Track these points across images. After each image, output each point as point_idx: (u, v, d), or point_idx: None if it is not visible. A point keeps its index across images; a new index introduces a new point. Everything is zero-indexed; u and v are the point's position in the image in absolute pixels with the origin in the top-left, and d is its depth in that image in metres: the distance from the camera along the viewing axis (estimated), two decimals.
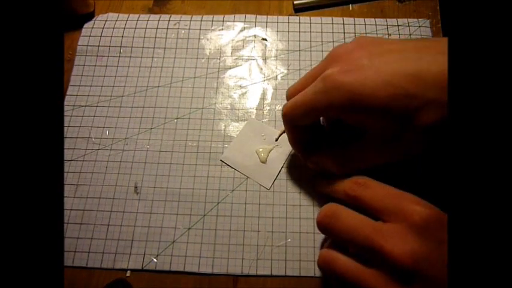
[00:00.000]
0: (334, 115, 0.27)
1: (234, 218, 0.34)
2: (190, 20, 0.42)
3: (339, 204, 0.27)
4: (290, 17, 0.42)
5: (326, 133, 0.32)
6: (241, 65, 0.40)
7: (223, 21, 0.42)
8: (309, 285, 0.32)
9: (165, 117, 0.38)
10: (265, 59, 0.40)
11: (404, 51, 0.25)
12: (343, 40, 0.40)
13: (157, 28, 0.42)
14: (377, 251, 0.23)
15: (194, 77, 0.40)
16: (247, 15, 0.42)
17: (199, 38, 0.41)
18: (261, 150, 0.36)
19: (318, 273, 0.32)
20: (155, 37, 0.41)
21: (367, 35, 0.40)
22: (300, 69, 0.39)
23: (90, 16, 0.42)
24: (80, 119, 0.38)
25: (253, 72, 0.40)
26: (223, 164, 0.36)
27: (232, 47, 0.41)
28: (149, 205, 0.35)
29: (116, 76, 0.40)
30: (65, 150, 0.37)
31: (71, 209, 0.35)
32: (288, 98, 0.30)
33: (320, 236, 0.33)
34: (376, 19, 0.41)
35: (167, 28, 0.42)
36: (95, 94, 0.39)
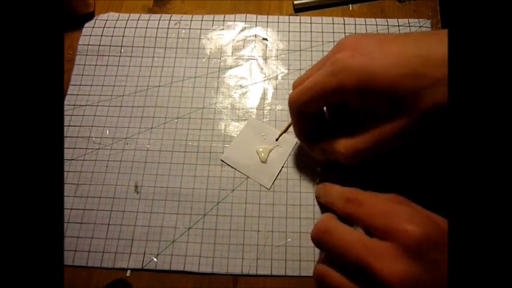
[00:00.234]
0: (343, 98, 0.27)
1: (234, 217, 0.34)
2: (191, 20, 0.42)
3: (334, 216, 0.27)
4: (291, 16, 0.42)
5: (328, 123, 0.32)
6: (241, 64, 0.40)
7: (223, 21, 0.42)
8: (309, 285, 0.32)
9: (165, 116, 0.38)
10: (265, 58, 0.40)
11: (409, 37, 0.26)
12: None
13: (158, 28, 0.42)
14: (367, 270, 0.23)
15: (195, 77, 0.40)
16: (248, 15, 0.42)
17: (199, 38, 0.41)
18: (261, 150, 0.36)
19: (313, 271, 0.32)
20: (156, 37, 0.41)
21: None
22: (300, 69, 0.39)
23: (90, 16, 0.42)
24: (81, 118, 0.38)
25: (254, 72, 0.40)
26: (224, 163, 0.36)
27: (232, 46, 0.41)
28: (149, 204, 0.35)
29: (116, 75, 0.40)
30: (65, 149, 0.37)
31: (71, 208, 0.35)
32: (293, 87, 0.30)
33: None
34: (377, 19, 0.41)
35: (168, 28, 0.42)
36: (95, 93, 0.39)
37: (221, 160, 0.36)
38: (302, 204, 0.34)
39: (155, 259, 0.33)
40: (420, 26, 0.41)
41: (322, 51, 0.40)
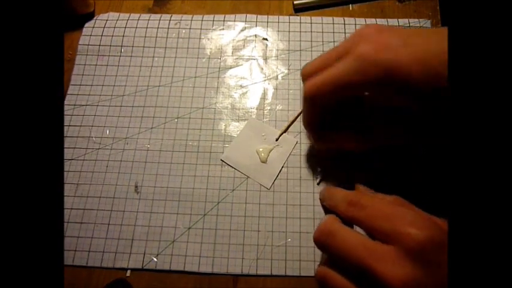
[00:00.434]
0: (365, 92, 0.27)
1: (234, 217, 0.34)
2: (191, 20, 0.42)
3: (336, 218, 0.27)
4: (291, 16, 0.42)
5: (339, 113, 0.32)
6: (242, 64, 0.40)
7: (224, 20, 0.42)
8: (309, 285, 0.32)
9: (165, 116, 0.38)
10: (266, 58, 0.40)
11: (428, 32, 0.26)
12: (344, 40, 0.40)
13: (158, 28, 0.42)
14: (369, 274, 0.23)
15: (195, 77, 0.40)
16: (248, 15, 0.42)
17: (200, 38, 0.41)
18: (261, 150, 0.36)
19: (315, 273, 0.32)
20: (156, 36, 0.41)
21: None
22: (300, 69, 0.39)
23: (90, 16, 0.42)
24: (81, 118, 0.38)
25: (254, 72, 0.40)
26: (224, 163, 0.36)
27: (233, 46, 0.41)
28: (149, 204, 0.35)
29: (116, 75, 0.40)
30: (65, 149, 0.37)
31: (71, 208, 0.35)
32: (305, 76, 0.29)
33: None
34: (377, 19, 0.41)
35: (168, 28, 0.42)
36: (95, 93, 0.39)
37: (221, 160, 0.36)
38: (302, 204, 0.34)
39: (155, 259, 0.33)
40: (420, 26, 0.41)
41: (323, 51, 0.40)
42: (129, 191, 0.35)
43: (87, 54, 0.41)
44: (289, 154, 0.36)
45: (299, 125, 0.37)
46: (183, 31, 0.42)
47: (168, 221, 0.34)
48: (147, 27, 0.42)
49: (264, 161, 0.36)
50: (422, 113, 0.27)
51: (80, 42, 0.41)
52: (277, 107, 0.38)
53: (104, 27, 0.42)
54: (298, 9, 0.43)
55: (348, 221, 0.27)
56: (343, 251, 0.24)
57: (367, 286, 0.23)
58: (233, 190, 0.35)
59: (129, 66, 0.40)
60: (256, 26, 0.42)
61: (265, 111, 0.38)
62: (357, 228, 0.26)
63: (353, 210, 0.26)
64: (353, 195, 0.28)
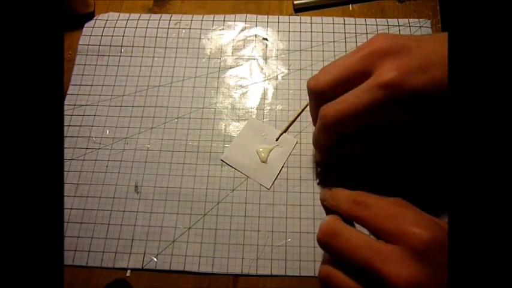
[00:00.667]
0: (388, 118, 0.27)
1: (234, 217, 0.34)
2: (191, 20, 0.42)
3: (339, 218, 0.27)
4: (291, 16, 0.42)
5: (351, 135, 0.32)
6: (242, 64, 0.40)
7: (224, 20, 0.42)
8: (309, 285, 0.32)
9: (165, 116, 0.38)
10: (266, 58, 0.40)
11: (438, 47, 0.26)
12: (343, 40, 0.40)
13: (158, 28, 0.42)
14: (375, 274, 0.23)
15: (195, 77, 0.40)
16: (248, 15, 0.42)
17: (200, 38, 0.41)
18: (261, 150, 0.36)
19: (317, 272, 0.32)
20: (156, 36, 0.41)
21: (368, 35, 0.40)
22: (300, 69, 0.39)
23: (90, 16, 0.42)
24: (81, 118, 0.38)
25: (254, 72, 0.40)
26: (224, 163, 0.36)
27: (233, 46, 0.41)
28: (149, 204, 0.35)
29: (116, 75, 0.40)
30: (65, 149, 0.37)
31: (71, 208, 0.35)
32: (316, 93, 0.28)
33: None
34: (377, 19, 0.41)
35: (168, 28, 0.42)
36: (95, 93, 0.39)
37: (221, 160, 0.36)
38: (302, 204, 0.34)
39: (155, 259, 0.33)
40: (420, 26, 0.41)
41: (322, 51, 0.40)
42: (129, 191, 0.35)
43: (87, 54, 0.41)
44: (289, 154, 0.36)
45: (299, 125, 0.37)
46: (183, 31, 0.42)
47: (168, 221, 0.34)
48: (147, 27, 0.42)
49: (264, 161, 0.36)
50: (431, 122, 0.28)
51: (80, 42, 0.41)
52: (277, 107, 0.38)
53: (104, 27, 0.42)
54: (298, 9, 0.43)
55: (352, 220, 0.27)
56: (348, 251, 0.24)
57: (372, 286, 0.23)
58: (233, 190, 0.35)
59: (129, 66, 0.40)
60: (256, 26, 0.42)
61: (265, 111, 0.38)
62: (359, 228, 0.26)
63: (357, 210, 0.26)
64: (356, 194, 0.28)
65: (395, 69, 0.25)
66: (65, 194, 0.35)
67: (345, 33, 0.41)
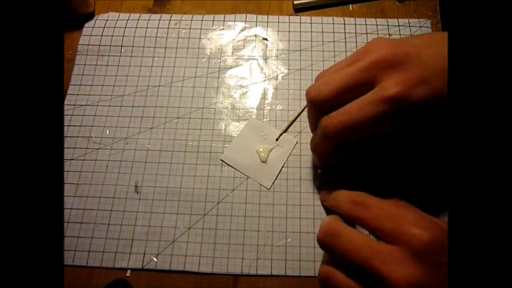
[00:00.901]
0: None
1: (234, 217, 0.34)
2: (191, 20, 0.42)
3: (339, 218, 0.27)
4: (291, 16, 0.42)
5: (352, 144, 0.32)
6: (242, 64, 0.40)
7: (224, 20, 0.42)
8: (309, 285, 0.32)
9: (165, 116, 0.38)
10: (266, 58, 0.40)
11: (439, 54, 0.26)
12: (343, 40, 0.40)
13: (158, 28, 0.42)
14: (375, 274, 0.23)
15: (195, 77, 0.40)
16: (248, 15, 0.42)
17: (200, 38, 0.41)
18: (261, 150, 0.36)
19: (317, 273, 0.32)
20: (156, 36, 0.41)
21: (368, 35, 0.40)
22: (300, 69, 0.39)
23: (90, 16, 0.42)
24: (81, 118, 0.38)
25: (254, 72, 0.40)
26: (224, 163, 0.36)
27: (233, 46, 0.41)
28: (149, 204, 0.35)
29: (116, 75, 0.40)
30: (65, 149, 0.37)
31: (71, 208, 0.35)
32: (318, 101, 0.28)
33: None
34: (377, 19, 0.41)
35: (168, 28, 0.42)
36: (95, 93, 0.39)
37: (221, 160, 0.36)
38: (302, 204, 0.34)
39: (155, 259, 0.33)
40: (420, 26, 0.41)
41: (322, 51, 0.40)
42: (129, 191, 0.35)
43: (87, 54, 0.41)
44: (289, 154, 0.36)
45: (299, 125, 0.37)
46: (183, 31, 0.42)
47: (168, 221, 0.34)
48: (147, 27, 0.42)
49: (264, 161, 0.36)
50: (431, 128, 0.28)
51: (80, 42, 0.41)
52: (277, 107, 0.38)
53: (104, 27, 0.42)
54: (298, 9, 0.43)
55: (352, 221, 0.27)
56: (348, 252, 0.24)
57: (371, 286, 0.23)
58: (233, 190, 0.35)
59: (129, 66, 0.40)
60: (256, 26, 0.42)
61: (265, 111, 0.38)
62: (359, 228, 0.26)
63: (357, 210, 0.26)
64: (357, 195, 0.28)
65: (399, 84, 0.25)
66: (65, 194, 0.35)
67: (345, 33, 0.41)
